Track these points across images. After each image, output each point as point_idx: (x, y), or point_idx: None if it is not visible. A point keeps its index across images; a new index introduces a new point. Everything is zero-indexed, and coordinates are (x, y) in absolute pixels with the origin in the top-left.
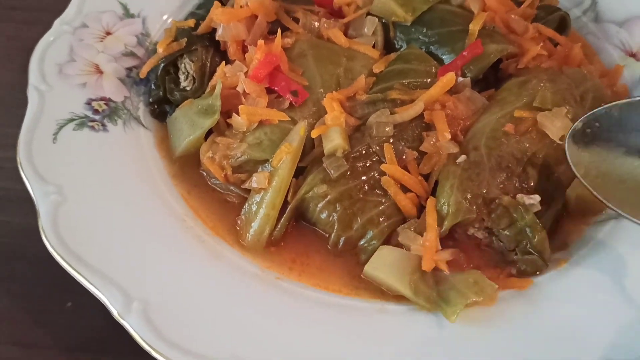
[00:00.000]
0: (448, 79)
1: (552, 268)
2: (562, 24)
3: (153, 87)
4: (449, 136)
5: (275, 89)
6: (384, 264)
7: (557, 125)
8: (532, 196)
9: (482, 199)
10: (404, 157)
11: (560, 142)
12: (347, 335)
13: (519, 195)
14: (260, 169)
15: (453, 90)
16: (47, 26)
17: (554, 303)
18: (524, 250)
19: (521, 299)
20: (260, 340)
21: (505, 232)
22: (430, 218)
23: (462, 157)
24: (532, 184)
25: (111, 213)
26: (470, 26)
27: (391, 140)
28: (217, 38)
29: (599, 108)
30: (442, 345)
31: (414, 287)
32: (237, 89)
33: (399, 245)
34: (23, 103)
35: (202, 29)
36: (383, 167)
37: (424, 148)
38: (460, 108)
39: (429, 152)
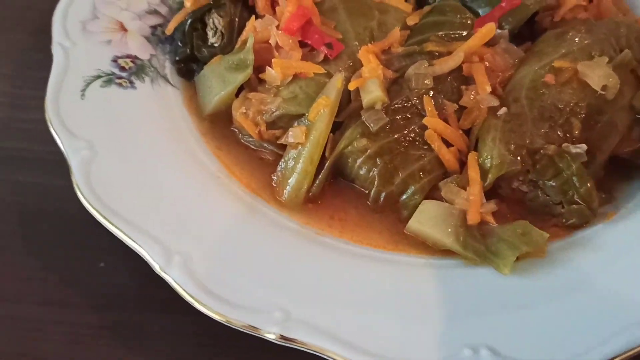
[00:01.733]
0: (487, 29)
1: (600, 221)
2: None
3: (179, 44)
4: (489, 89)
5: (309, 42)
6: (429, 218)
7: (598, 74)
8: (578, 145)
9: (527, 149)
10: (443, 110)
11: (602, 92)
12: (395, 290)
13: (564, 145)
14: (295, 124)
15: (490, 43)
16: None
17: (604, 255)
18: (571, 200)
19: (571, 251)
20: (305, 294)
21: (551, 182)
22: (473, 171)
23: (503, 110)
24: (576, 133)
25: (144, 168)
26: None
27: (431, 93)
28: None
29: None
30: (494, 298)
31: (462, 241)
32: (270, 42)
33: (441, 200)
34: (40, 65)
35: None
36: (425, 120)
37: (463, 102)
38: (497, 60)
39: (468, 107)
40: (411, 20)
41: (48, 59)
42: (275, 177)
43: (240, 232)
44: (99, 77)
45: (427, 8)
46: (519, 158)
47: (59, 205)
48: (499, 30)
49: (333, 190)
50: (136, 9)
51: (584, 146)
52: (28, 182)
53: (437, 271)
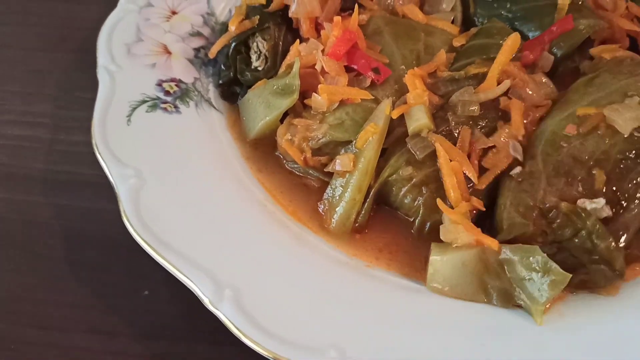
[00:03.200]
0: (512, 40)
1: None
2: None
3: (223, 67)
4: (523, 131)
5: (355, 67)
6: (444, 279)
7: (626, 116)
8: (595, 200)
9: (538, 210)
10: (474, 144)
11: (638, 135)
12: (445, 324)
13: (579, 200)
14: (342, 151)
15: (531, 68)
16: (103, 6)
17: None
18: (593, 260)
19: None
20: (359, 331)
21: (575, 240)
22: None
23: (517, 170)
24: (598, 187)
25: (192, 197)
26: (560, 0)
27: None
28: (290, 15)
29: None
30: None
31: (484, 287)
32: (316, 67)
33: None
34: (83, 85)
35: (274, 5)
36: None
37: (494, 140)
38: (533, 90)
39: (498, 146)
40: (457, 42)
41: (92, 79)
42: (322, 205)
43: (288, 263)
44: (144, 101)
45: (473, 30)
46: (529, 220)
47: (103, 230)
48: (547, 54)
49: (378, 219)
50: (179, 31)
51: (602, 200)
52: (72, 205)
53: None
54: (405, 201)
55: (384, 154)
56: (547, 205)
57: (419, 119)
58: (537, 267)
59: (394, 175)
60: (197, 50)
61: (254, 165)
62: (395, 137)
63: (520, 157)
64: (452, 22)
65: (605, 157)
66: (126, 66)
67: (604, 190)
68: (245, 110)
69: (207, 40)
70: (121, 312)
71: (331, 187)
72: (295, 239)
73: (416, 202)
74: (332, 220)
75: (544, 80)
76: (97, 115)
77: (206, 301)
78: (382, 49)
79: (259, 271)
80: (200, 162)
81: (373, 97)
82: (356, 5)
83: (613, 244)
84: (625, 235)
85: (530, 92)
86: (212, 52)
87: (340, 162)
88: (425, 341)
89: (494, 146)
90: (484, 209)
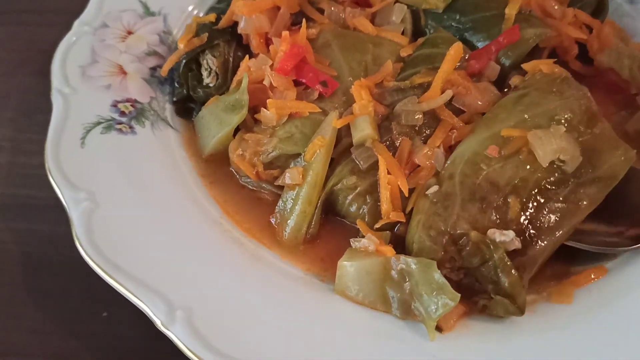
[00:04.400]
0: (455, 49)
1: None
2: (599, 7)
3: (177, 85)
4: (438, 150)
5: (303, 80)
6: (349, 284)
7: (546, 148)
8: (504, 232)
9: (449, 235)
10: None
11: (560, 164)
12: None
13: (490, 231)
14: (292, 164)
15: (477, 77)
16: (64, 28)
17: None
18: (497, 290)
19: None
20: (316, 346)
21: (482, 269)
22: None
23: (434, 188)
24: (511, 216)
25: (145, 218)
26: (507, 10)
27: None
28: (239, 31)
29: None
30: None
31: (384, 298)
32: (264, 82)
33: None
34: (42, 108)
35: (223, 22)
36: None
37: (418, 160)
38: (475, 95)
39: (422, 165)
40: (404, 52)
41: (50, 102)
42: (274, 219)
43: (242, 282)
44: (99, 123)
45: (420, 40)
46: (439, 246)
47: (62, 254)
48: (493, 63)
49: (328, 228)
50: (135, 50)
51: (511, 233)
52: (31, 229)
53: None
54: (351, 209)
55: (332, 164)
56: (459, 232)
57: (363, 130)
58: (432, 284)
59: (339, 185)
60: (153, 69)
61: (209, 182)
62: (343, 147)
63: (440, 169)
64: (403, 33)
65: (522, 185)
66: (81, 88)
67: (517, 220)
68: (200, 127)
69: (163, 59)
70: (81, 337)
71: (282, 200)
72: (249, 257)
73: (361, 210)
74: (285, 232)
75: (488, 88)
76: (50, 138)
77: (158, 323)
78: (331, 61)
79: (212, 291)
80: (155, 182)
81: (321, 110)
82: (304, 20)
83: (517, 279)
84: (532, 269)
85: (474, 100)
86: (164, 71)
87: (290, 176)
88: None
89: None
90: (404, 221)
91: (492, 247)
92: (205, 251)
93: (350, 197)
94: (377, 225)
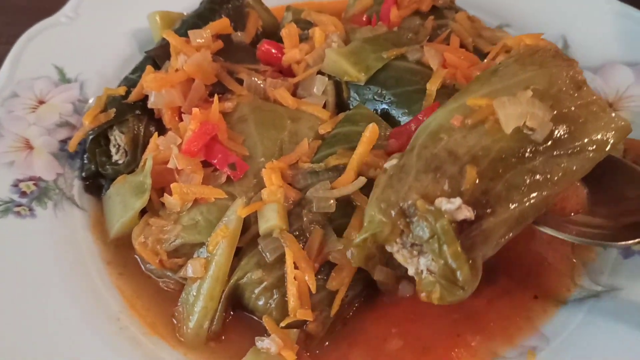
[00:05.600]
0: (371, 130)
1: None
2: None
3: (85, 160)
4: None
5: (212, 162)
6: None
7: (509, 111)
8: (452, 200)
9: (399, 208)
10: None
11: (529, 132)
12: None
13: (437, 200)
14: (196, 254)
15: None
16: None
17: None
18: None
19: None
20: None
21: (430, 243)
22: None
23: (392, 162)
24: (466, 186)
25: (37, 318)
26: (428, 86)
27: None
28: (149, 106)
29: None
30: None
31: None
32: (169, 165)
33: None
34: None
35: (133, 97)
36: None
37: (331, 257)
38: None
39: (339, 264)
40: (323, 130)
41: None
42: (176, 313)
43: None
44: None
45: (340, 116)
46: (388, 219)
47: None
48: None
49: (235, 323)
50: (46, 122)
51: (458, 200)
52: None
53: None
54: (259, 303)
55: (240, 254)
56: (409, 202)
57: (269, 220)
58: None
59: (244, 278)
60: (63, 142)
61: (114, 269)
62: (251, 235)
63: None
64: (324, 106)
65: (483, 154)
66: None
67: (471, 190)
68: (107, 207)
69: (75, 130)
70: None
71: (185, 293)
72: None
73: (268, 305)
74: (186, 330)
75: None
76: None
77: None
78: (246, 138)
79: None
80: (52, 273)
81: (228, 195)
82: (216, 96)
83: (459, 251)
84: (488, 246)
85: None
86: (71, 146)
87: (192, 268)
88: None
89: None
90: (312, 319)
91: (436, 215)
92: (98, 353)
93: (256, 291)
94: (282, 324)
